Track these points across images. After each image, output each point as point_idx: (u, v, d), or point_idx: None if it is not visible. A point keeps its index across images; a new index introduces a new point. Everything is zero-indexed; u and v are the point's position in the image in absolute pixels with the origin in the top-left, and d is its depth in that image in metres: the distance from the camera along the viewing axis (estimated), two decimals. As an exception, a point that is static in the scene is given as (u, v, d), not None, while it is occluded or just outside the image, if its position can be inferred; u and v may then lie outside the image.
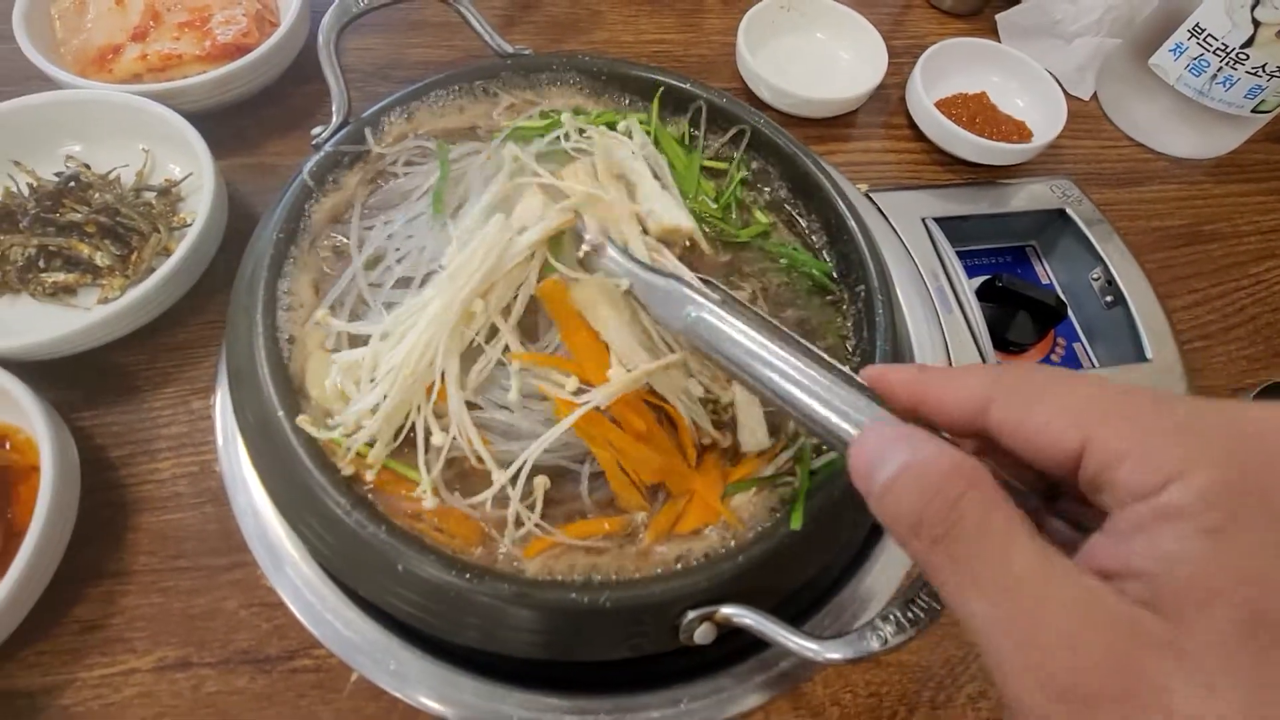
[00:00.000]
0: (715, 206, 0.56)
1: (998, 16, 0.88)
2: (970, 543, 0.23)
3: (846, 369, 0.34)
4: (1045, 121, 0.77)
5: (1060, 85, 0.79)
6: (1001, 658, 0.21)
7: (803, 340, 0.37)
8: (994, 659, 0.22)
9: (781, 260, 0.55)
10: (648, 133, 0.57)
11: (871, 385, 0.32)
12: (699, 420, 0.44)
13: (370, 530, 0.41)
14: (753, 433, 0.45)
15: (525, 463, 0.41)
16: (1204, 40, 0.72)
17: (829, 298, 0.55)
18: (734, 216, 0.57)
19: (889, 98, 0.80)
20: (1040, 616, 0.21)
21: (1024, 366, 0.26)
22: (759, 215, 0.57)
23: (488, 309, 0.43)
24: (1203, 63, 0.73)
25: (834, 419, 0.32)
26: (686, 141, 0.60)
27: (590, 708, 0.47)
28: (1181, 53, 0.74)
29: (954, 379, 0.28)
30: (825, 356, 0.35)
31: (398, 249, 0.49)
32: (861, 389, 0.33)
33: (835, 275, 0.56)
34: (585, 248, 0.43)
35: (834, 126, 0.78)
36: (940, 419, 0.28)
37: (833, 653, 0.38)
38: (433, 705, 0.46)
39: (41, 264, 0.56)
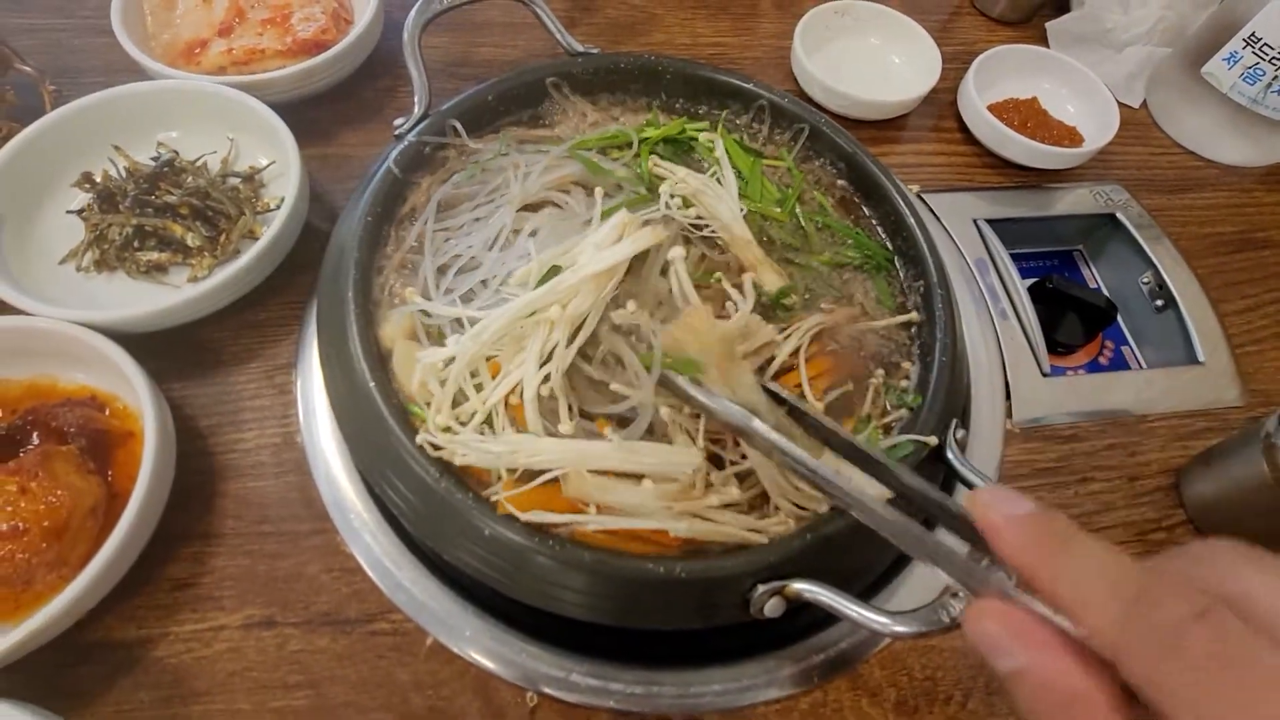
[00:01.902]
0: (780, 211, 0.58)
1: (1048, 25, 0.89)
2: None
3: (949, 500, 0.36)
4: (1097, 128, 0.77)
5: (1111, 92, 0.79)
6: None
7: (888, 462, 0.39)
8: None
9: (848, 241, 0.57)
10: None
11: (979, 525, 0.28)
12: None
13: (459, 498, 0.43)
14: None
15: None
16: (1260, 49, 0.73)
17: (888, 282, 0.57)
18: (797, 213, 0.59)
19: (939, 101, 0.82)
20: None
21: (1170, 611, 0.23)
22: (821, 198, 0.59)
23: (564, 316, 0.43)
24: (1258, 71, 0.74)
25: (948, 573, 0.33)
26: (745, 140, 0.62)
27: (655, 679, 0.49)
28: (1236, 61, 0.75)
29: (1081, 582, 0.25)
30: (924, 486, 0.37)
31: (470, 245, 0.51)
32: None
33: (896, 262, 0.58)
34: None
35: (885, 129, 0.79)
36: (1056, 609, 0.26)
37: (902, 626, 0.40)
38: (504, 671, 0.48)
39: (136, 243, 0.59)
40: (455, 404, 0.44)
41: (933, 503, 0.38)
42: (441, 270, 0.49)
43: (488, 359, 0.45)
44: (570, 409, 0.43)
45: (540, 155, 0.54)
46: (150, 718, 0.46)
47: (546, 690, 0.48)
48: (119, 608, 0.48)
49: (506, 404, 0.43)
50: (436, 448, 0.43)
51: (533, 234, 0.50)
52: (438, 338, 0.48)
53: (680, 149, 0.61)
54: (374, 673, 0.48)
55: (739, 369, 0.42)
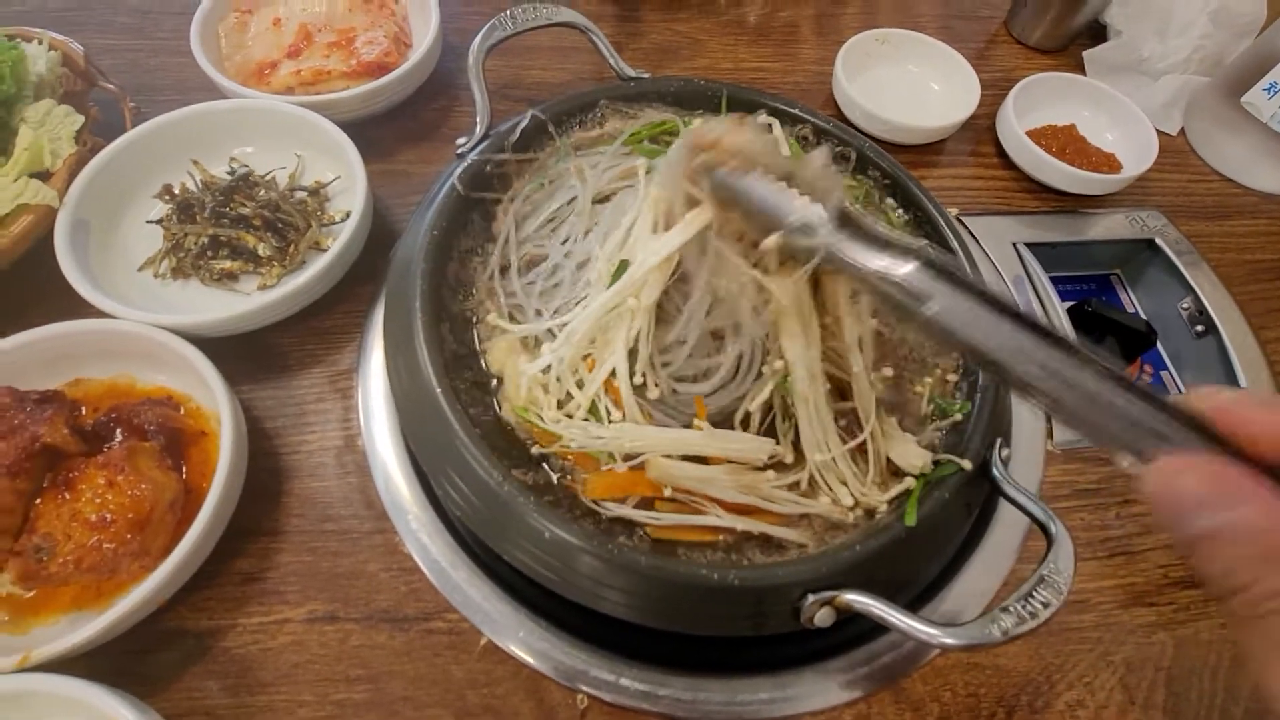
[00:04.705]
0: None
1: (1085, 53, 0.90)
2: None
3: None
4: (1135, 155, 0.78)
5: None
6: None
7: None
8: None
9: None
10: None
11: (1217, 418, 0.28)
12: None
13: (520, 500, 0.44)
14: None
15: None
16: (1300, 80, 0.74)
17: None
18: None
19: (977, 127, 0.83)
20: None
21: None
22: (891, 216, 0.61)
23: (640, 306, 0.46)
24: (1298, 102, 0.74)
25: (1119, 429, 0.29)
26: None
27: (703, 686, 0.50)
28: (1276, 91, 0.76)
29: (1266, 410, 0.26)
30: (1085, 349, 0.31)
31: (539, 246, 0.54)
32: (1141, 395, 0.29)
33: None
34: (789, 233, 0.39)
35: (924, 153, 0.81)
36: (1249, 449, 0.26)
37: (951, 639, 0.40)
38: (555, 673, 0.50)
39: (210, 252, 0.62)
40: (560, 405, 0.48)
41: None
42: (529, 284, 0.53)
43: (584, 357, 0.48)
44: (658, 384, 0.47)
45: (598, 155, 0.57)
46: (219, 705, 0.48)
47: (596, 693, 0.49)
48: (191, 598, 0.51)
49: (607, 387, 0.47)
50: (553, 438, 0.47)
51: (595, 226, 0.53)
52: (534, 348, 0.51)
53: None
54: (430, 669, 0.50)
55: None
